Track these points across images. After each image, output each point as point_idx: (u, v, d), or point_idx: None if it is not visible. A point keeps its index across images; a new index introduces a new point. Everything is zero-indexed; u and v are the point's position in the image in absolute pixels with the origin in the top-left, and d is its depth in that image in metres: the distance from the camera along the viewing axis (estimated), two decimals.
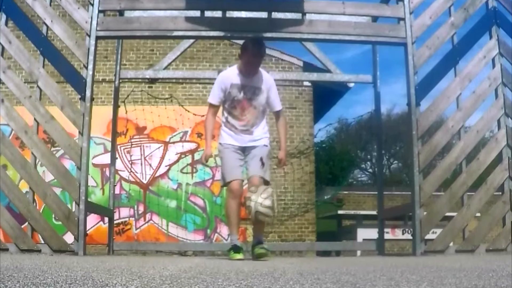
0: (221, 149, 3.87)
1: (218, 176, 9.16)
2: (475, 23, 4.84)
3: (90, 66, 4.50)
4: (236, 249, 3.60)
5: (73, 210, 4.37)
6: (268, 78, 3.87)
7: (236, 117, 3.76)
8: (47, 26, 4.61)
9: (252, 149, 3.76)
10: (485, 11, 4.83)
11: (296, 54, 9.64)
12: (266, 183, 3.69)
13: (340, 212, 10.67)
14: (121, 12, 5.14)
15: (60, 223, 4.40)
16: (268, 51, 8.36)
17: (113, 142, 5.84)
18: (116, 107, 5.73)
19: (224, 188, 3.93)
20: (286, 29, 4.77)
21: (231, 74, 3.77)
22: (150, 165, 9.18)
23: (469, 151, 4.65)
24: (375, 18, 5.21)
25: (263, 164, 3.72)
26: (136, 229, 8.89)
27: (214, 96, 3.81)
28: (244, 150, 3.78)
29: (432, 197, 4.60)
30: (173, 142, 9.28)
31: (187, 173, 9.19)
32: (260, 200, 3.36)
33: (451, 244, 4.56)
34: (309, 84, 9.35)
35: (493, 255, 4.19)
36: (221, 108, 3.89)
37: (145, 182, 9.10)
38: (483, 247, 4.45)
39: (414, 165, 4.50)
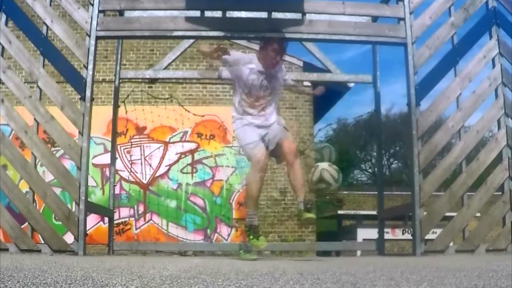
0: (238, 125, 3.72)
1: (218, 176, 9.18)
2: (475, 23, 4.84)
3: (90, 66, 4.50)
4: (253, 230, 3.53)
5: (73, 210, 4.37)
6: (283, 67, 3.94)
7: (250, 105, 3.71)
8: (47, 26, 4.61)
9: (270, 126, 3.71)
10: (485, 11, 4.83)
11: (296, 54, 9.63)
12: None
13: (340, 212, 10.67)
14: (121, 12, 5.14)
15: (60, 223, 4.40)
16: None
17: (113, 142, 5.84)
18: (116, 107, 5.72)
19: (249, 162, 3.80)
20: (286, 29, 4.77)
21: (249, 59, 3.74)
22: (150, 165, 9.18)
23: (469, 151, 4.65)
24: (375, 18, 5.20)
25: (287, 129, 3.75)
26: (136, 229, 8.89)
27: (233, 55, 3.72)
28: (261, 132, 3.70)
29: (432, 197, 4.60)
30: (173, 142, 9.28)
31: (187, 173, 9.19)
32: (328, 167, 3.41)
33: (451, 244, 4.56)
34: (309, 84, 9.33)
35: (493, 255, 4.20)
36: (232, 103, 3.82)
37: (145, 182, 9.10)
38: (483, 247, 4.45)
39: (414, 165, 4.50)
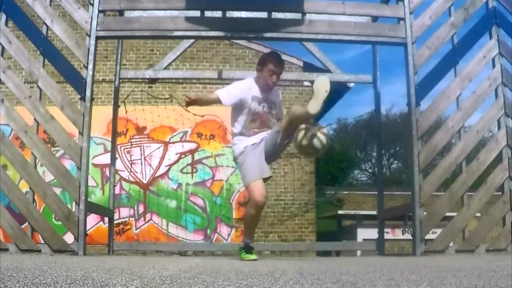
0: (240, 154, 3.61)
1: (218, 176, 9.18)
2: (475, 23, 4.84)
3: (90, 66, 4.50)
4: (248, 248, 3.57)
5: (73, 210, 4.37)
6: (279, 93, 3.91)
7: (253, 130, 3.62)
8: (47, 26, 4.61)
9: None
10: (485, 11, 4.83)
11: (296, 54, 9.64)
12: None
13: (340, 212, 10.67)
14: (121, 12, 5.14)
15: (60, 223, 4.40)
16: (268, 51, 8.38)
17: (113, 142, 5.84)
18: (116, 107, 5.72)
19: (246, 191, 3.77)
20: (286, 29, 4.77)
21: (250, 86, 3.64)
22: (150, 165, 9.18)
23: (469, 151, 4.65)
24: (375, 18, 5.21)
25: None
26: (136, 229, 8.89)
27: (229, 95, 3.58)
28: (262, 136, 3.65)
29: (432, 197, 4.60)
30: (173, 142, 9.28)
31: (187, 173, 9.19)
32: (317, 131, 3.37)
33: (451, 244, 4.56)
34: (309, 84, 9.32)
35: (493, 255, 4.20)
36: (230, 123, 3.74)
37: (145, 182, 9.10)
38: (483, 247, 4.45)
39: (414, 165, 4.50)
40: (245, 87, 3.64)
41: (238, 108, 3.63)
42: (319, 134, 3.38)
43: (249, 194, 3.56)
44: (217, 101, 3.58)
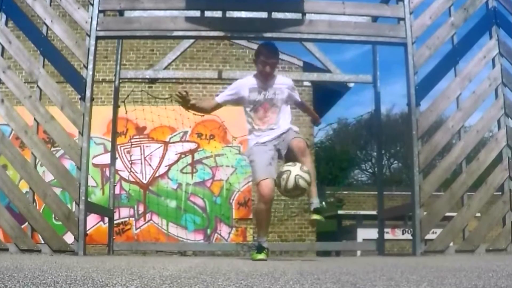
0: (252, 151, 3.72)
1: (218, 176, 9.18)
2: (475, 23, 4.84)
3: (90, 66, 4.50)
4: (259, 249, 3.56)
5: (73, 210, 4.37)
6: (287, 79, 4.00)
7: (260, 119, 3.73)
8: (47, 26, 4.61)
9: (282, 135, 3.71)
10: (485, 11, 4.83)
11: (296, 54, 9.63)
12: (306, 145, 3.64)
13: (340, 212, 10.66)
14: (121, 12, 5.14)
15: (60, 223, 4.40)
16: None
17: (113, 142, 5.84)
18: (116, 107, 5.73)
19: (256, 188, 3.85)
20: (286, 29, 4.77)
21: (246, 81, 3.82)
22: (150, 165, 9.18)
23: (469, 151, 4.65)
24: (375, 18, 5.21)
25: (298, 133, 3.75)
26: (136, 229, 8.89)
27: (222, 96, 3.86)
28: (274, 142, 3.71)
29: (432, 197, 4.60)
30: (173, 142, 9.28)
31: (187, 173, 9.19)
32: (300, 171, 3.35)
33: (451, 244, 4.56)
34: (309, 84, 9.34)
35: (493, 255, 4.19)
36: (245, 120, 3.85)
37: (145, 182, 9.10)
38: (483, 247, 4.45)
39: (414, 165, 4.50)
40: (240, 83, 3.86)
41: (241, 103, 3.80)
42: (302, 174, 3.34)
43: (257, 190, 3.66)
44: (215, 104, 3.82)
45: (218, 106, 3.83)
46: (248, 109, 3.76)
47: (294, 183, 3.31)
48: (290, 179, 3.31)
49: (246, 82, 3.81)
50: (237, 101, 3.80)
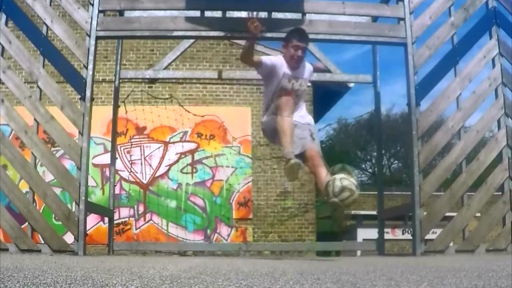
0: (265, 123, 3.74)
1: (218, 176, 9.18)
2: (475, 23, 4.85)
3: (90, 66, 4.50)
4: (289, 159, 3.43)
5: (73, 210, 4.37)
6: (309, 65, 3.93)
7: (280, 108, 3.61)
8: (47, 26, 4.61)
9: (298, 125, 3.66)
10: (485, 11, 4.83)
11: None
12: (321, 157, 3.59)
13: None
14: (121, 12, 5.14)
15: (60, 223, 4.40)
16: (268, 52, 8.37)
17: (113, 142, 5.84)
18: (116, 107, 5.73)
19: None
20: (286, 29, 4.76)
21: (284, 63, 3.71)
22: (150, 165, 9.18)
23: (469, 151, 4.65)
24: (375, 18, 5.21)
25: (313, 138, 3.67)
26: (136, 229, 8.89)
27: (266, 59, 3.69)
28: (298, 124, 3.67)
29: (432, 197, 4.60)
30: (173, 142, 9.28)
31: (187, 173, 9.19)
32: (344, 175, 3.27)
33: (451, 244, 4.56)
34: (309, 84, 9.32)
35: (493, 255, 4.20)
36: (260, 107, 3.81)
37: (145, 182, 9.10)
38: (483, 247, 4.45)
39: (414, 165, 4.50)
40: (280, 61, 3.71)
41: (269, 80, 3.71)
42: (346, 176, 3.25)
43: (275, 106, 3.57)
44: (258, 61, 3.65)
45: (258, 64, 3.68)
46: (272, 90, 3.69)
47: (341, 185, 3.21)
48: (336, 184, 3.21)
49: (283, 65, 3.69)
50: (270, 75, 3.69)
